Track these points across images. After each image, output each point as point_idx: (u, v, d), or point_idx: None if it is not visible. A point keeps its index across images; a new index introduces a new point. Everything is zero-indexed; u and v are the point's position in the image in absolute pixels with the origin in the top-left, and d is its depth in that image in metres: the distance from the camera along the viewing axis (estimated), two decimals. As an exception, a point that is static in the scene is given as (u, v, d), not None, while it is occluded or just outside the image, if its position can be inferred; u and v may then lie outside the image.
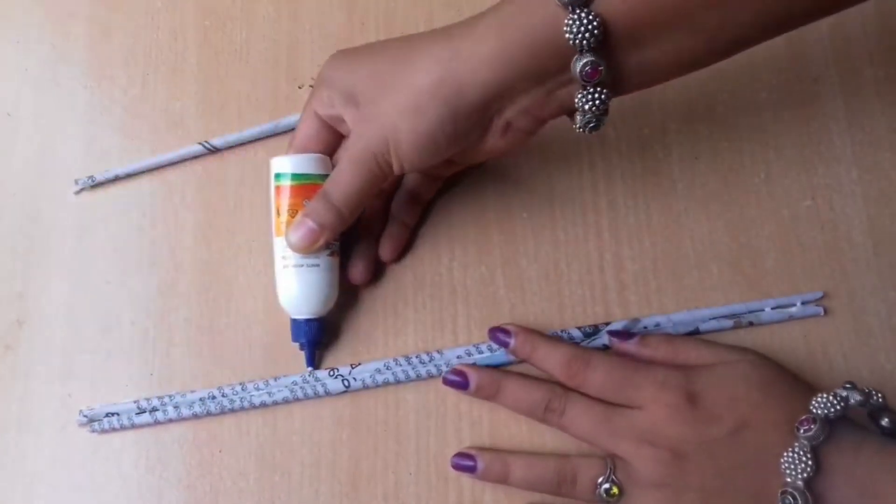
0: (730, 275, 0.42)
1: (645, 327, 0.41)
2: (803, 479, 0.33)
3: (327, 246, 0.38)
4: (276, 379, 0.41)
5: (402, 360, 0.41)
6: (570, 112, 0.33)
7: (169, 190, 0.44)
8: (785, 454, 0.33)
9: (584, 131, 0.33)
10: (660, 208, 0.43)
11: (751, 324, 0.41)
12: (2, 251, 0.44)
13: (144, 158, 0.44)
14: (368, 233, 0.41)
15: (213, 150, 0.45)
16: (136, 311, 0.43)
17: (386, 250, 0.41)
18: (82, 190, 0.45)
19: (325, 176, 0.38)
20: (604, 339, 0.40)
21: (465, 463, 0.38)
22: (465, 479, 0.39)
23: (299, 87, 0.46)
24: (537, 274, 0.42)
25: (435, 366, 0.40)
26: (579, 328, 0.41)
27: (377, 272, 0.42)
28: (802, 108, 0.44)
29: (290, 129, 0.45)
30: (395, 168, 0.35)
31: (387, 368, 0.41)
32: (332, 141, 0.39)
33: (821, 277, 0.41)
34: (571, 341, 0.40)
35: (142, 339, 0.42)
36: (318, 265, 0.38)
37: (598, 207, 0.43)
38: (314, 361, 0.40)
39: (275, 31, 0.47)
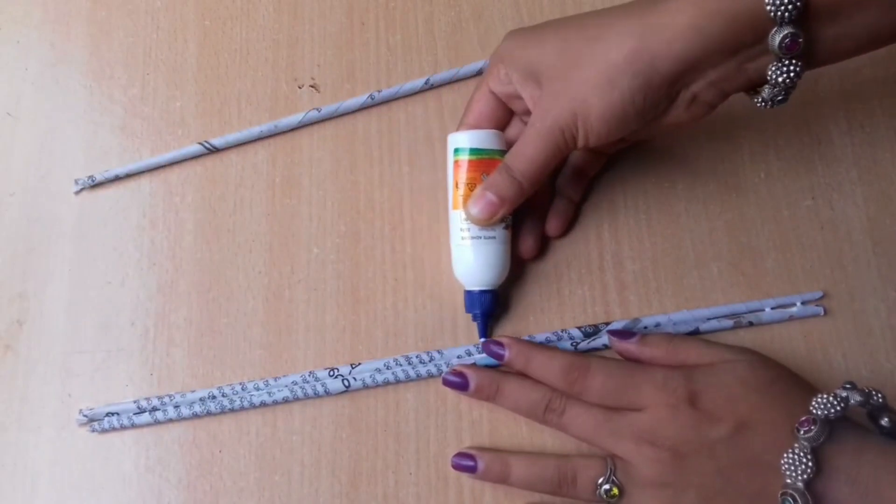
0: (730, 275, 0.42)
1: (645, 327, 0.41)
2: (803, 480, 0.33)
3: (503, 219, 0.39)
4: (276, 379, 0.41)
5: (402, 360, 0.41)
6: (755, 86, 0.34)
7: (169, 190, 0.44)
8: (785, 455, 0.33)
9: (767, 105, 0.34)
10: (660, 208, 0.43)
11: (751, 324, 0.41)
12: (2, 251, 0.44)
13: (144, 158, 0.44)
14: (536, 209, 0.42)
15: (213, 150, 0.45)
16: (136, 311, 0.43)
17: (553, 226, 0.42)
18: (82, 190, 0.45)
19: (502, 151, 0.39)
20: (604, 339, 0.40)
21: (465, 463, 0.38)
22: (465, 479, 0.39)
23: (299, 87, 0.46)
24: (537, 274, 0.42)
25: (435, 366, 0.40)
26: (579, 328, 0.41)
27: (543, 247, 0.42)
28: (802, 108, 0.44)
29: (290, 129, 0.45)
30: (580, 142, 0.36)
31: (387, 368, 0.41)
32: (504, 117, 0.40)
33: (821, 277, 0.42)
34: (571, 340, 0.40)
35: (142, 339, 0.42)
36: (494, 238, 0.39)
37: (598, 207, 0.43)
38: (487, 332, 0.41)
39: (275, 31, 0.47)
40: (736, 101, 0.45)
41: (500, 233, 0.39)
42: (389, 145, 0.45)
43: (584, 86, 0.34)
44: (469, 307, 0.40)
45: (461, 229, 0.39)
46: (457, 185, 0.39)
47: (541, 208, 0.42)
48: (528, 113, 0.38)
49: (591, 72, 0.34)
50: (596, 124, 0.35)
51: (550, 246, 0.43)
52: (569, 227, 0.42)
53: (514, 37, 0.38)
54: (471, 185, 0.39)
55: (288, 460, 0.40)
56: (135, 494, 0.40)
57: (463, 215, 0.39)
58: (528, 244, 0.41)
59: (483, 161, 0.39)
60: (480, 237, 0.39)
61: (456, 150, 0.39)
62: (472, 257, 0.39)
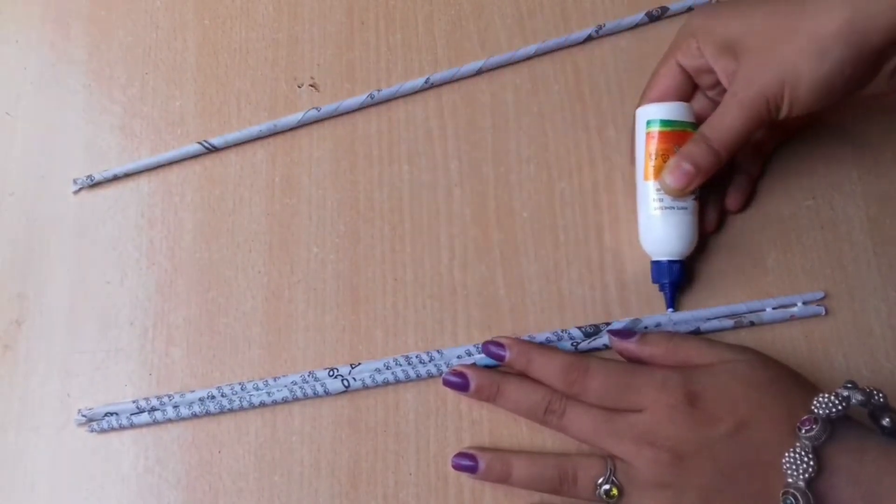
0: (730, 275, 0.42)
1: (645, 327, 0.41)
2: (805, 480, 0.33)
3: (695, 190, 0.39)
4: (275, 379, 0.41)
5: (401, 360, 0.40)
6: None
7: (168, 190, 0.44)
8: (786, 454, 0.33)
9: None
10: (660, 208, 0.43)
11: (752, 323, 0.40)
12: (2, 251, 0.44)
13: (143, 158, 0.44)
14: (716, 184, 0.42)
15: (213, 150, 0.45)
16: (136, 311, 0.43)
17: (733, 200, 0.42)
18: (81, 189, 0.44)
19: (692, 124, 0.39)
20: (604, 339, 0.40)
21: (465, 463, 0.38)
22: (465, 479, 0.39)
23: (299, 87, 0.46)
24: (537, 274, 0.42)
25: (435, 366, 0.40)
26: (579, 328, 0.41)
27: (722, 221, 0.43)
28: (803, 108, 0.44)
29: (290, 129, 0.45)
30: (784, 112, 0.36)
31: (386, 368, 0.40)
32: (688, 91, 0.41)
33: (821, 277, 0.41)
34: (571, 340, 0.40)
35: (141, 339, 0.42)
36: (685, 208, 0.39)
37: (598, 207, 0.43)
38: (674, 303, 0.41)
39: (274, 31, 0.47)
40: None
41: (690, 203, 0.40)
42: (389, 145, 0.45)
43: (794, 56, 0.34)
44: (657, 277, 0.41)
45: (653, 199, 0.39)
46: (649, 157, 0.39)
47: (720, 183, 0.42)
48: (714, 87, 0.39)
49: (801, 42, 0.34)
50: (804, 94, 0.35)
51: (551, 246, 0.43)
52: (748, 202, 0.43)
53: (706, 11, 0.38)
54: (664, 157, 0.39)
55: (288, 460, 0.40)
56: (134, 494, 0.40)
57: (656, 185, 0.39)
58: (710, 218, 0.42)
59: (675, 133, 0.39)
60: (673, 207, 0.39)
61: (648, 123, 0.40)
62: (663, 227, 0.39)
